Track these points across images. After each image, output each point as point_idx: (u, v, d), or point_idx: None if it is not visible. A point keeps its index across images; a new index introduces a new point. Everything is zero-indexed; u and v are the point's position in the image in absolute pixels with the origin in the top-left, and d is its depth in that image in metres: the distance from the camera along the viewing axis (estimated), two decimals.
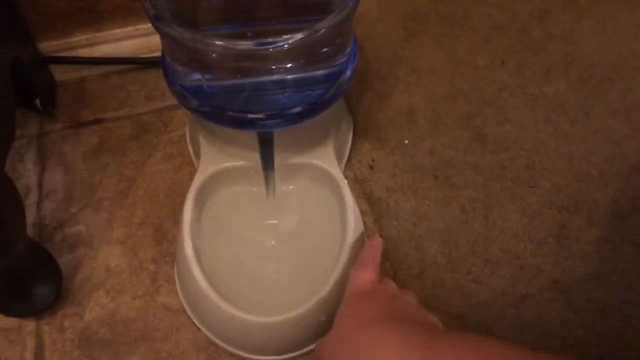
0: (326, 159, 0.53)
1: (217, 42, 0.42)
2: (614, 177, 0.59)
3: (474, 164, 0.60)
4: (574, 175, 0.59)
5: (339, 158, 0.56)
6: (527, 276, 0.53)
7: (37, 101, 0.62)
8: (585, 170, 0.59)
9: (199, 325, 0.50)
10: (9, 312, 0.51)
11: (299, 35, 0.41)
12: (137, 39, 0.69)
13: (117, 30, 0.68)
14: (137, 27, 0.69)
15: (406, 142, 0.62)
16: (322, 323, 0.47)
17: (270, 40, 0.41)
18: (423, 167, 0.60)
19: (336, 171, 0.52)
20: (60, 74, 0.67)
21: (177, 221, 0.55)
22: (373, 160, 0.61)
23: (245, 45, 0.42)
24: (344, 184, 0.51)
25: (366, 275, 0.43)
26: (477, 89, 0.67)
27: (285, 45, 0.42)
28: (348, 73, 0.50)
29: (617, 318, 0.51)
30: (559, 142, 0.62)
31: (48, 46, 0.67)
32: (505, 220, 0.56)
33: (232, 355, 0.49)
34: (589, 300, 0.51)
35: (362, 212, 0.56)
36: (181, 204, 0.51)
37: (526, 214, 0.56)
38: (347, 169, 0.60)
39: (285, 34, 0.41)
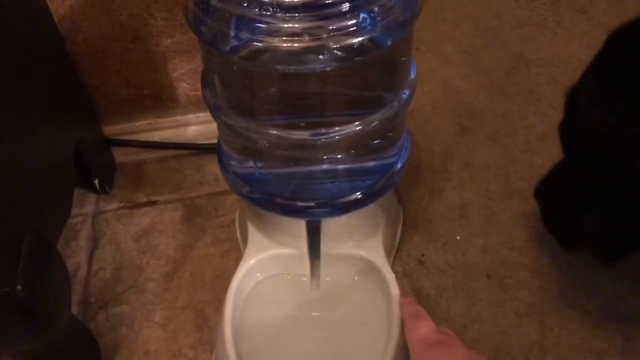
0: (374, 251, 0.52)
1: (271, 132, 0.43)
2: None
3: (530, 265, 0.57)
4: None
5: (387, 250, 0.55)
6: None
7: (96, 181, 0.64)
8: None
9: None
10: None
11: (350, 127, 0.42)
12: (197, 126, 0.72)
13: (178, 117, 0.71)
14: (198, 115, 0.71)
15: (458, 238, 0.60)
16: None
17: (323, 131, 0.42)
18: (475, 266, 0.58)
19: (384, 264, 0.51)
20: (120, 156, 0.70)
21: (219, 307, 0.54)
22: (423, 255, 0.59)
23: (298, 134, 0.42)
24: (391, 279, 0.50)
25: (426, 324, 0.43)
26: (532, 188, 0.65)
27: (337, 137, 0.42)
28: (398, 165, 0.49)
29: None
30: None
31: (112, 129, 0.70)
32: (563, 327, 0.53)
33: None
34: None
35: None
36: (225, 290, 0.50)
37: (586, 323, 0.53)
38: (396, 262, 0.59)
39: (338, 125, 0.42)
